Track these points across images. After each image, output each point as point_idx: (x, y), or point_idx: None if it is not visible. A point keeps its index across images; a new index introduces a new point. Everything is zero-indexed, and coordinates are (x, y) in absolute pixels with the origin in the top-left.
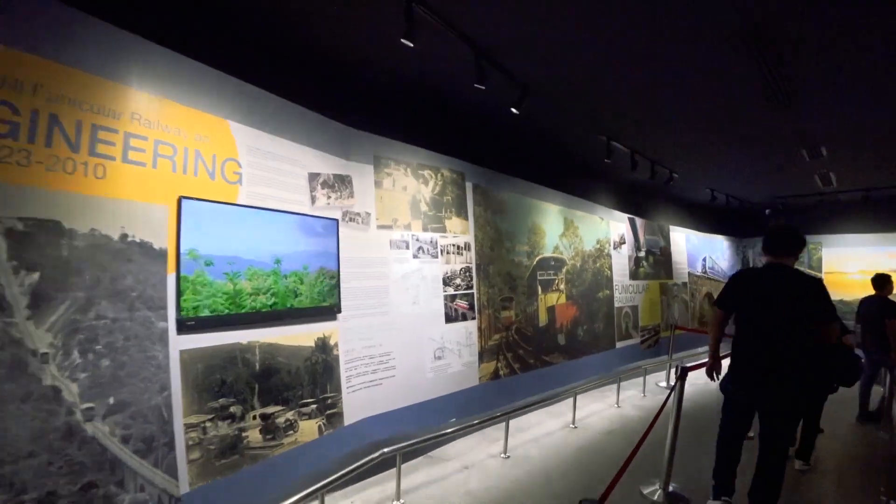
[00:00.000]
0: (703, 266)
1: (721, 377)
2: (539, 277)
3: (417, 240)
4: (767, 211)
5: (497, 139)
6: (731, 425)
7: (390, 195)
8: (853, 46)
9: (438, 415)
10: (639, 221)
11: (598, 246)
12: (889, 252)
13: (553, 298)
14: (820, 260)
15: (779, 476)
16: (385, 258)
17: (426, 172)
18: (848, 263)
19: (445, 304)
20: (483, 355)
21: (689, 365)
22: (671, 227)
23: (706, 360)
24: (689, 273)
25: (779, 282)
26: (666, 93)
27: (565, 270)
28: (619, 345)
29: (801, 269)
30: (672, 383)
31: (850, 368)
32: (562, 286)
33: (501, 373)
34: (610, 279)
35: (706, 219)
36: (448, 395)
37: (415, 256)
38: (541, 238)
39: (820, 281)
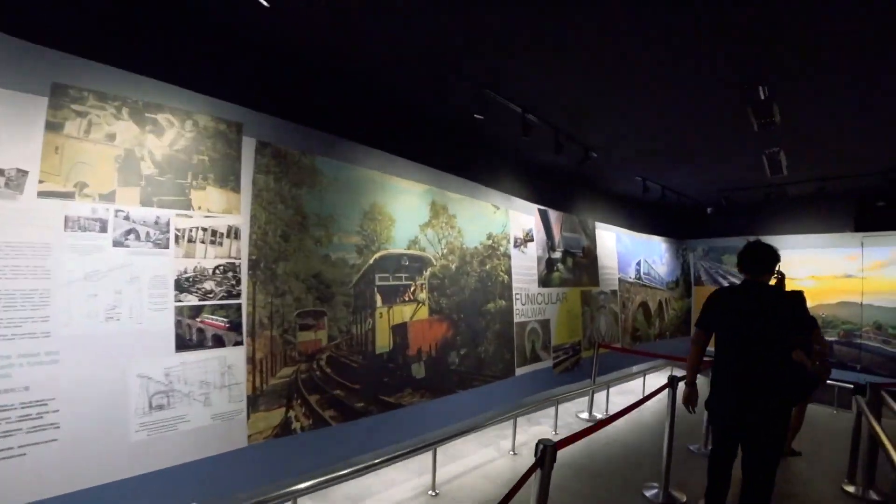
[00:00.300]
0: (638, 271)
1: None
2: (378, 283)
3: (127, 217)
4: (710, 209)
5: (312, 79)
6: (720, 447)
7: (79, 147)
8: None
9: (162, 500)
10: (553, 214)
11: (491, 242)
12: (847, 254)
13: (405, 312)
14: None
15: (766, 497)
16: (49, 245)
17: (161, 117)
18: (798, 268)
19: (179, 322)
20: (259, 400)
21: (557, 439)
22: (598, 224)
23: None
24: (619, 279)
25: (755, 300)
26: (564, 26)
27: (429, 274)
28: (521, 370)
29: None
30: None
31: (800, 384)
32: (422, 295)
33: (297, 425)
34: (508, 286)
35: (640, 216)
36: (183, 466)
37: (118, 244)
38: (385, 227)
39: (799, 295)
